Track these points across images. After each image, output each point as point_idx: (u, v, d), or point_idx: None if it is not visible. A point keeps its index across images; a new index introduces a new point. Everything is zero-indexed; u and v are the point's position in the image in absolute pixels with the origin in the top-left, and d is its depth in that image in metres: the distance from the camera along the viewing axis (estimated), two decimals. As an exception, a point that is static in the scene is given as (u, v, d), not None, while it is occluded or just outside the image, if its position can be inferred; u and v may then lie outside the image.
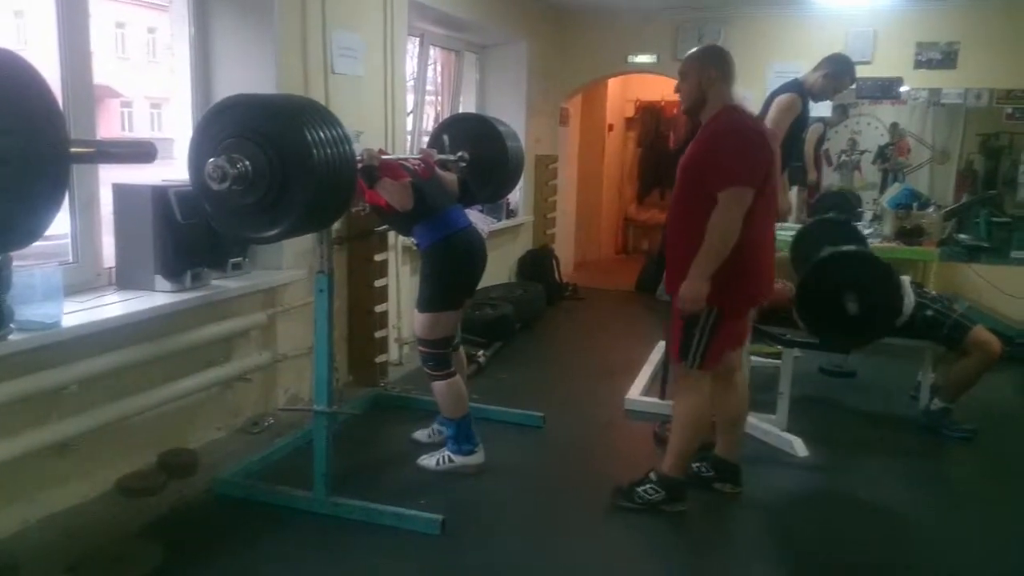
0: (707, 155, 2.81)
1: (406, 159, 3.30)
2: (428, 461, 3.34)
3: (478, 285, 3.40)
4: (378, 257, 4.31)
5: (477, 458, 3.32)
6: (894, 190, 6.24)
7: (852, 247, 4.08)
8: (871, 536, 3.00)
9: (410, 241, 3.77)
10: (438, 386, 3.24)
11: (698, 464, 3.29)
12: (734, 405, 3.21)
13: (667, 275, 2.97)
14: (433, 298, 3.20)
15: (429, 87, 6.04)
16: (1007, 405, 4.59)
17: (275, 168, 2.30)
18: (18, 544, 2.60)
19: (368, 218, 3.96)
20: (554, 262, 7.15)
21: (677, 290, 2.84)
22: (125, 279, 3.19)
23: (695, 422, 3.00)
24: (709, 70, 2.88)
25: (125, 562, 2.53)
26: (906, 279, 4.14)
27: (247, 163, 2.28)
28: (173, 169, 3.67)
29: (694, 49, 3.03)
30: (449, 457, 3.31)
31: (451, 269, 3.21)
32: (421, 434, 3.60)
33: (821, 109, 5.72)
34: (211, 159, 2.28)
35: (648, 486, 3.04)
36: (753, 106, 6.43)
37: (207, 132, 2.39)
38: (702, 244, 2.73)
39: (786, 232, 4.84)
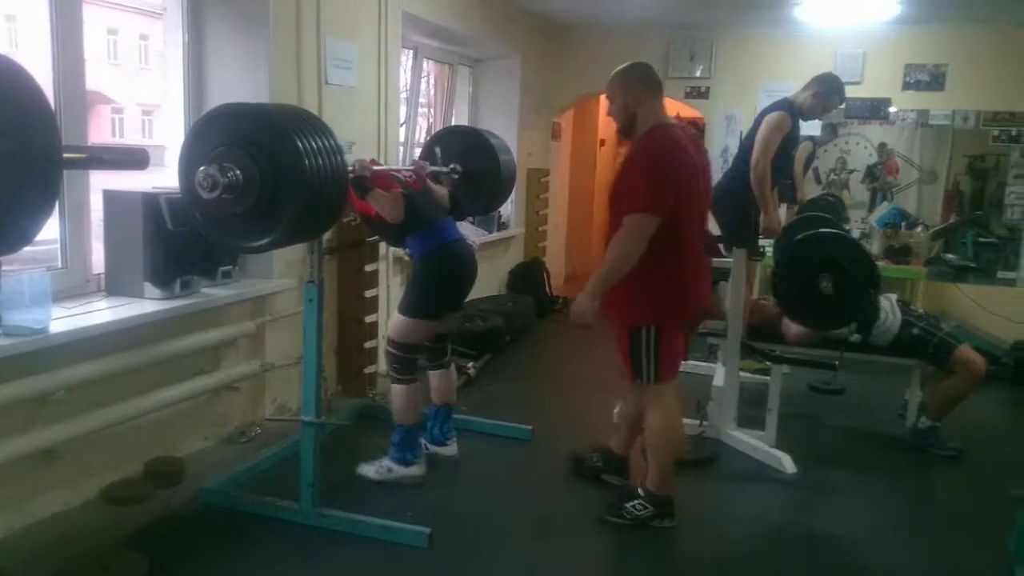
0: (622, 179, 2.85)
1: (398, 170, 3.31)
2: (367, 470, 3.31)
3: (465, 299, 3.41)
4: (368, 267, 4.31)
5: (417, 469, 3.29)
6: (882, 209, 6.30)
7: (825, 230, 4.11)
8: (857, 554, 3.00)
9: (403, 251, 3.77)
10: (398, 389, 3.23)
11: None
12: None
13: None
14: (416, 304, 3.21)
15: (422, 99, 6.06)
16: (993, 424, 4.62)
17: (266, 177, 2.29)
18: (2, 552, 2.57)
19: (359, 228, 3.96)
20: (545, 275, 7.16)
21: (612, 313, 2.89)
22: (114, 286, 3.17)
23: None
24: (634, 89, 2.87)
25: (110, 571, 2.50)
26: (893, 297, 4.18)
27: (238, 172, 2.28)
28: (164, 176, 3.67)
29: (617, 69, 2.98)
30: (389, 467, 3.27)
31: (439, 280, 3.22)
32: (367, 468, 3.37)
33: (810, 128, 5.77)
34: (202, 167, 2.27)
35: (637, 502, 3.05)
36: (743, 124, 6.52)
37: (198, 140, 2.38)
38: (647, 259, 2.74)
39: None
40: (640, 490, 3.07)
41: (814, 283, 3.65)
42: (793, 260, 3.81)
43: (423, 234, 3.17)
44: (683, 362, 4.83)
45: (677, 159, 2.76)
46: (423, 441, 3.48)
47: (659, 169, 2.73)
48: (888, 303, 4.08)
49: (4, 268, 2.50)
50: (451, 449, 3.55)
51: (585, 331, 2.88)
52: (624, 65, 2.98)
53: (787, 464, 3.66)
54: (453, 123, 6.34)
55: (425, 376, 3.43)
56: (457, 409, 3.72)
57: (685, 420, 4.04)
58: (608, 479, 3.40)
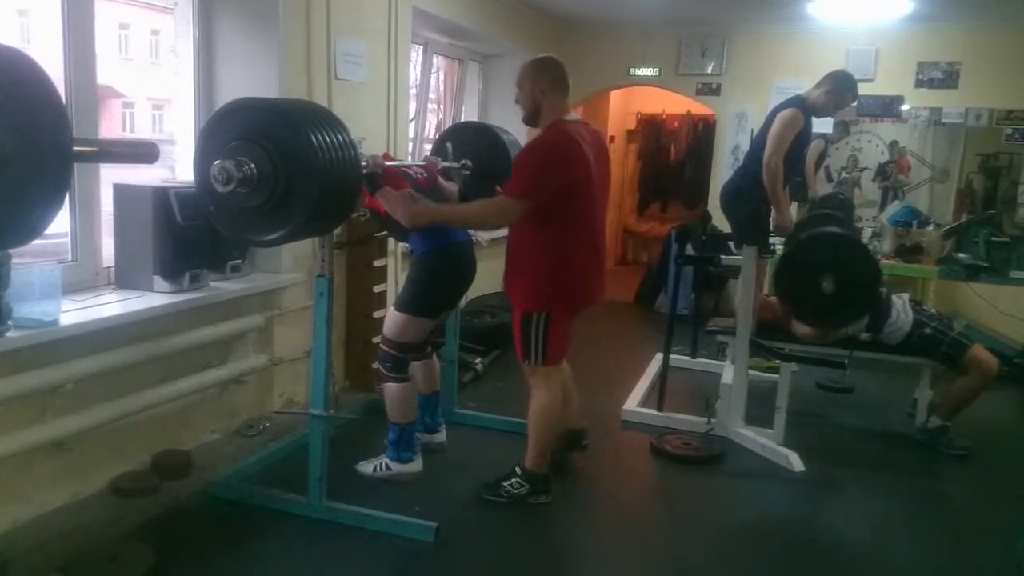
0: (515, 161, 2.99)
1: (409, 167, 3.31)
2: (366, 467, 3.31)
3: (462, 298, 3.42)
4: (377, 263, 4.31)
5: (415, 466, 3.28)
6: (894, 208, 6.26)
7: (830, 229, 4.09)
8: (866, 553, 2.99)
9: (404, 247, 3.77)
10: (391, 388, 3.23)
11: None
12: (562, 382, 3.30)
13: (505, 277, 3.14)
14: (413, 301, 3.20)
15: (431, 95, 6.05)
16: (1004, 424, 4.59)
17: (280, 171, 2.30)
18: (9, 543, 2.58)
19: (368, 223, 3.96)
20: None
21: (515, 294, 3.05)
22: (124, 279, 3.18)
23: (549, 415, 3.11)
24: (540, 81, 2.96)
25: (117, 563, 2.51)
26: (905, 296, 4.15)
27: (252, 166, 2.29)
28: (175, 170, 3.68)
29: (529, 59, 3.10)
30: (387, 464, 3.28)
31: (439, 278, 3.22)
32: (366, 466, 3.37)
33: (822, 126, 5.74)
34: (217, 161, 2.28)
35: (514, 480, 3.13)
36: (754, 121, 6.49)
37: (213, 134, 2.39)
38: (540, 250, 2.93)
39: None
40: (517, 468, 3.14)
41: (815, 282, 3.64)
42: (792, 260, 3.80)
43: (426, 232, 3.17)
44: (691, 358, 4.85)
45: (570, 155, 2.85)
46: (418, 435, 3.48)
47: (546, 164, 2.84)
48: (900, 302, 4.06)
49: (15, 261, 2.51)
50: (441, 435, 3.58)
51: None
52: (537, 57, 3.11)
53: (795, 462, 3.64)
54: (463, 119, 6.33)
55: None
56: (449, 402, 3.75)
57: (692, 418, 4.06)
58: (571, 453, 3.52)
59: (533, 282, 2.99)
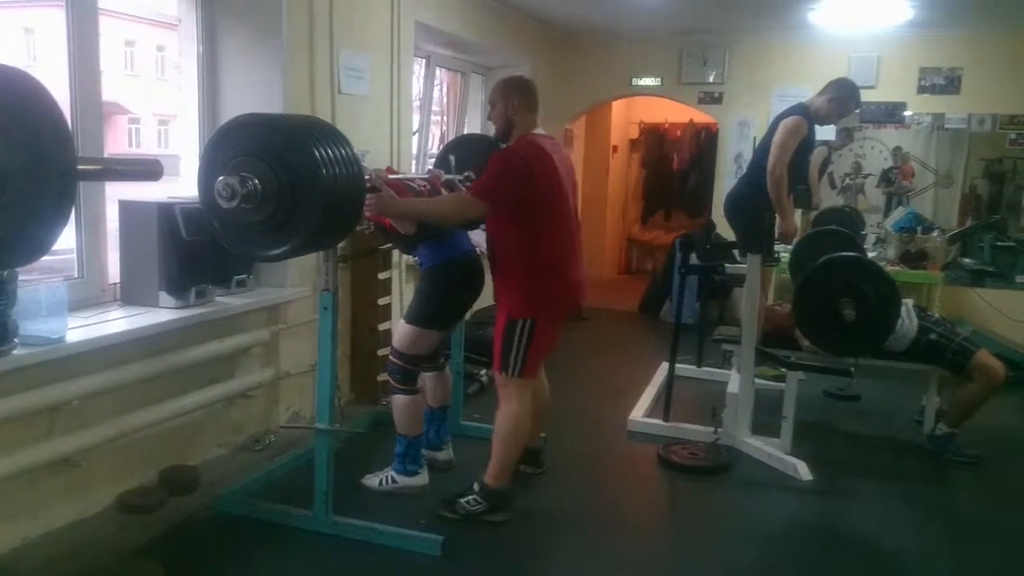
0: (485, 168, 3.03)
1: (412, 179, 3.32)
2: (372, 481, 3.31)
3: (470, 309, 3.44)
4: (382, 275, 4.32)
5: (421, 479, 3.29)
6: (898, 214, 6.25)
7: (848, 254, 4.08)
8: (874, 562, 2.97)
9: (412, 259, 3.78)
10: (399, 400, 3.23)
11: None
12: (535, 397, 3.28)
13: (495, 289, 3.15)
14: (422, 313, 3.21)
15: (435, 107, 6.08)
16: (1012, 430, 4.56)
17: (284, 187, 2.31)
18: (17, 560, 2.59)
19: (372, 236, 3.97)
20: (557, 282, 7.14)
21: (504, 298, 3.06)
22: (130, 295, 3.19)
23: (516, 430, 3.08)
24: (513, 99, 3.08)
25: (124, 579, 2.51)
26: (909, 302, 4.14)
27: (256, 182, 2.30)
28: (179, 186, 3.70)
29: (502, 78, 3.27)
30: (392, 478, 3.28)
31: (448, 291, 3.24)
32: (371, 480, 3.37)
33: (825, 132, 5.74)
34: (221, 177, 2.29)
35: (471, 497, 3.09)
36: (756, 129, 6.50)
37: (217, 150, 2.40)
38: (527, 257, 2.96)
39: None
40: (476, 484, 3.10)
41: (835, 308, 3.64)
42: (814, 284, 3.79)
43: (434, 245, 3.19)
44: (697, 368, 4.84)
45: (534, 161, 2.94)
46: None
47: (509, 168, 2.92)
48: (905, 309, 4.04)
49: (21, 278, 2.52)
50: (447, 454, 3.55)
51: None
52: (510, 76, 3.31)
53: (803, 471, 3.63)
54: (466, 131, 6.34)
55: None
56: (455, 413, 3.74)
57: (699, 427, 4.05)
58: (524, 469, 3.46)
59: (519, 289, 3.02)
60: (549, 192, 2.97)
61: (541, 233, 2.97)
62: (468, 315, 3.72)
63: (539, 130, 3.13)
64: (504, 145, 3.13)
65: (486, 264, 3.26)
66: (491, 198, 2.89)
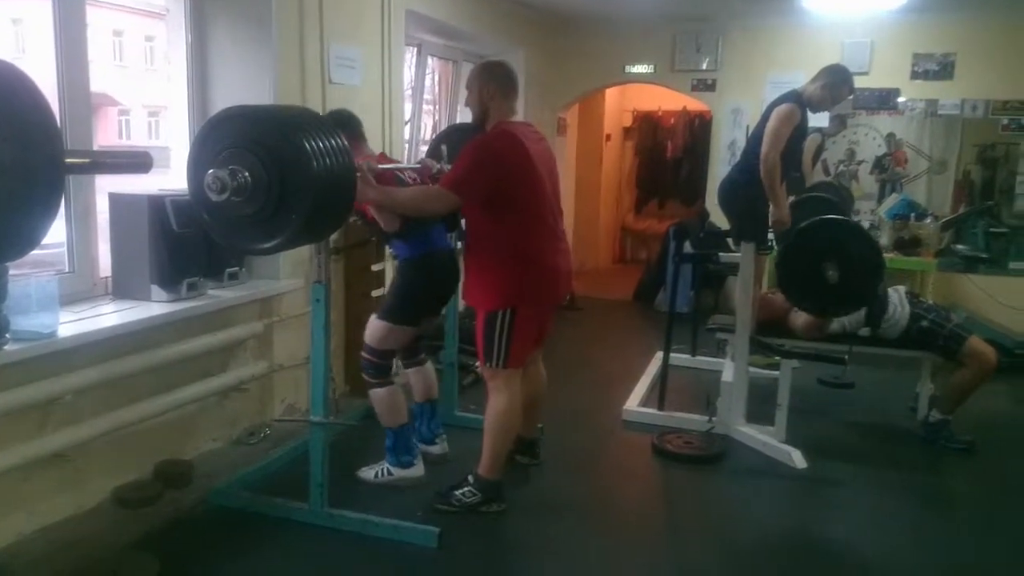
0: (456, 158, 3.01)
1: (402, 170, 3.30)
2: (367, 473, 3.31)
3: (446, 304, 3.45)
4: (375, 267, 4.30)
5: (416, 471, 3.28)
6: (892, 200, 6.25)
7: (830, 215, 4.07)
8: (869, 549, 2.98)
9: (389, 251, 3.78)
10: (376, 393, 3.22)
11: None
12: (531, 388, 3.31)
13: (465, 283, 3.14)
14: (394, 309, 3.21)
15: (427, 96, 6.04)
16: (1005, 416, 4.59)
17: (274, 179, 2.29)
18: (13, 555, 2.58)
19: (364, 228, 3.95)
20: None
21: (477, 298, 3.04)
22: (121, 289, 3.18)
23: (506, 421, 3.08)
24: (489, 86, 3.04)
25: (121, 573, 2.51)
26: (902, 289, 4.15)
27: (246, 174, 2.27)
28: (170, 177, 3.67)
29: (480, 63, 3.22)
30: (388, 470, 3.28)
31: (421, 287, 3.22)
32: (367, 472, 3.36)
33: (818, 120, 5.73)
34: (210, 170, 2.27)
35: (466, 489, 3.09)
36: (750, 117, 6.48)
37: (206, 143, 2.38)
38: (501, 247, 2.95)
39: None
40: (470, 476, 3.11)
41: (819, 270, 3.63)
42: (796, 248, 3.78)
43: (411, 239, 3.16)
44: (692, 356, 4.85)
45: (507, 151, 2.92)
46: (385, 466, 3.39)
47: (480, 159, 2.89)
48: (897, 295, 4.06)
49: (12, 273, 2.50)
50: (440, 447, 3.54)
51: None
52: (488, 61, 3.23)
53: (797, 459, 3.64)
54: (458, 120, 6.32)
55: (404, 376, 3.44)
56: (449, 405, 3.75)
57: (693, 416, 4.06)
58: (520, 459, 3.48)
59: (497, 280, 2.99)
60: (524, 180, 2.95)
61: (518, 222, 2.96)
62: (461, 306, 3.71)
63: (516, 118, 3.10)
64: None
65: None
66: (461, 189, 2.87)
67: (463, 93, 6.50)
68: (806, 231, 3.79)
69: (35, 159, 1.57)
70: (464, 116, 6.53)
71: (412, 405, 3.46)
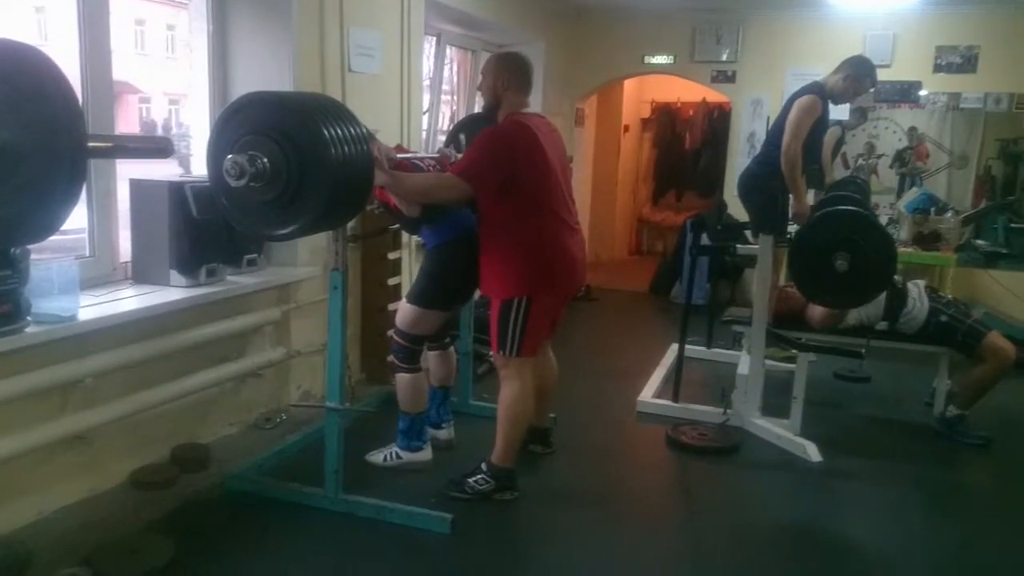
0: (471, 145, 3.02)
1: (422, 158, 3.31)
2: (376, 457, 3.34)
3: (476, 289, 3.42)
4: (391, 255, 4.32)
5: (424, 455, 3.32)
6: (912, 195, 6.19)
7: (844, 207, 4.04)
8: (884, 544, 2.97)
9: (418, 239, 3.78)
10: (402, 378, 3.24)
11: None
12: (543, 377, 3.33)
13: (482, 274, 3.12)
14: (425, 293, 3.21)
15: (445, 86, 6.05)
16: (1023, 412, 4.54)
17: (293, 165, 2.30)
18: (33, 535, 2.62)
19: (382, 216, 3.97)
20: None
21: (494, 286, 3.04)
22: (141, 274, 3.21)
23: (519, 409, 3.09)
24: (502, 77, 3.06)
25: (138, 554, 2.54)
26: (921, 284, 4.12)
27: (265, 160, 2.29)
28: (191, 164, 3.70)
29: (496, 52, 3.20)
30: (397, 453, 3.31)
31: (451, 271, 3.22)
32: (376, 455, 3.40)
33: (839, 112, 5.69)
34: (230, 156, 2.28)
35: (479, 476, 3.10)
36: (770, 108, 6.44)
37: (226, 129, 2.39)
38: (516, 237, 2.95)
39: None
40: (483, 464, 3.11)
41: (829, 261, 3.61)
42: (806, 239, 3.76)
43: (438, 225, 3.18)
44: (707, 349, 4.84)
45: (519, 140, 2.93)
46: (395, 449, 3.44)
47: (492, 148, 2.91)
48: (916, 290, 4.03)
49: (33, 257, 2.54)
50: (447, 432, 3.57)
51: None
52: (505, 52, 3.25)
53: (812, 453, 3.63)
54: (476, 110, 6.31)
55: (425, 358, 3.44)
56: (464, 394, 3.78)
57: (708, 408, 4.05)
58: (533, 448, 3.50)
59: (512, 269, 2.99)
60: (537, 170, 2.95)
61: (532, 211, 2.96)
62: (477, 295, 3.72)
63: (531, 109, 3.10)
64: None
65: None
66: (472, 178, 2.88)
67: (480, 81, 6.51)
68: (813, 225, 3.77)
69: (59, 142, 1.59)
70: (482, 106, 6.55)
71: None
